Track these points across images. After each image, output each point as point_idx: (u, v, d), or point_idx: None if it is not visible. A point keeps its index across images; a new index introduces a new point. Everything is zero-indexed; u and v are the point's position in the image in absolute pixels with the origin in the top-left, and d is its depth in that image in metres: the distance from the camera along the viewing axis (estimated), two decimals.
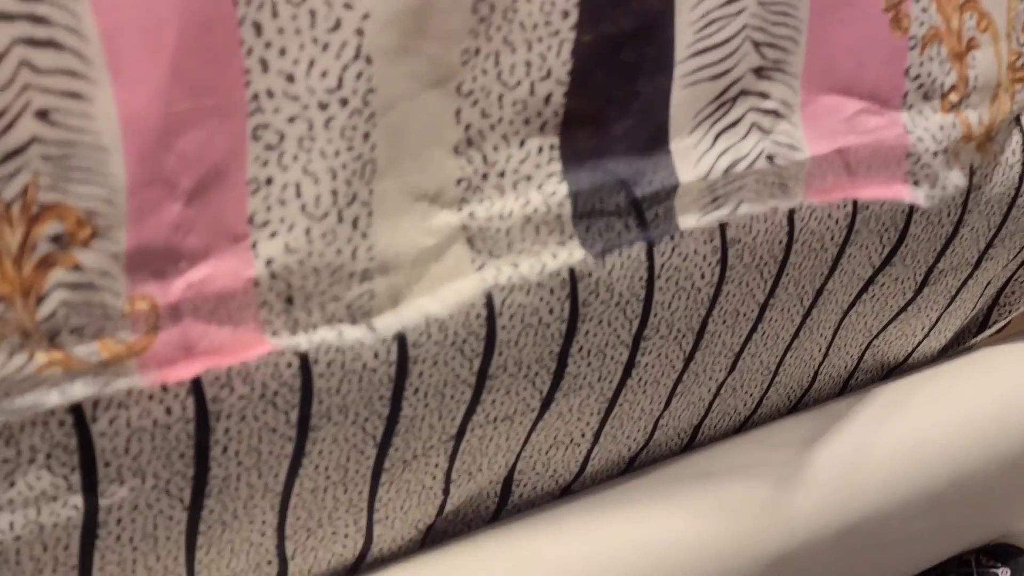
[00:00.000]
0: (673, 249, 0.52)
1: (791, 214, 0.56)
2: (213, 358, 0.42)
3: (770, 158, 0.52)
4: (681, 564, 0.61)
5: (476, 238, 0.47)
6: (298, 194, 0.42)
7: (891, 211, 0.59)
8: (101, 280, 0.40)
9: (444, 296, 0.47)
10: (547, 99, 0.47)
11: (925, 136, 0.56)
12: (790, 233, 0.56)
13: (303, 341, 0.44)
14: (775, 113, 0.52)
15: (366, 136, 0.43)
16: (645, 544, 0.60)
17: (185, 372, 0.42)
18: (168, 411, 0.43)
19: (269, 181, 0.42)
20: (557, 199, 0.48)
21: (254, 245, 0.42)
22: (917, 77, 0.56)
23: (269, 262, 0.43)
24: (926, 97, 0.56)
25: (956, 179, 0.57)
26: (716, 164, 0.51)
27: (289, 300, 0.43)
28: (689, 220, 0.51)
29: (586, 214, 0.49)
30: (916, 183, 0.56)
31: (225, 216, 0.41)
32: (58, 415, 0.41)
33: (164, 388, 0.42)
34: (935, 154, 0.56)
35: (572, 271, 0.50)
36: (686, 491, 0.63)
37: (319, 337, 0.44)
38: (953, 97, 0.56)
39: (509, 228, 0.48)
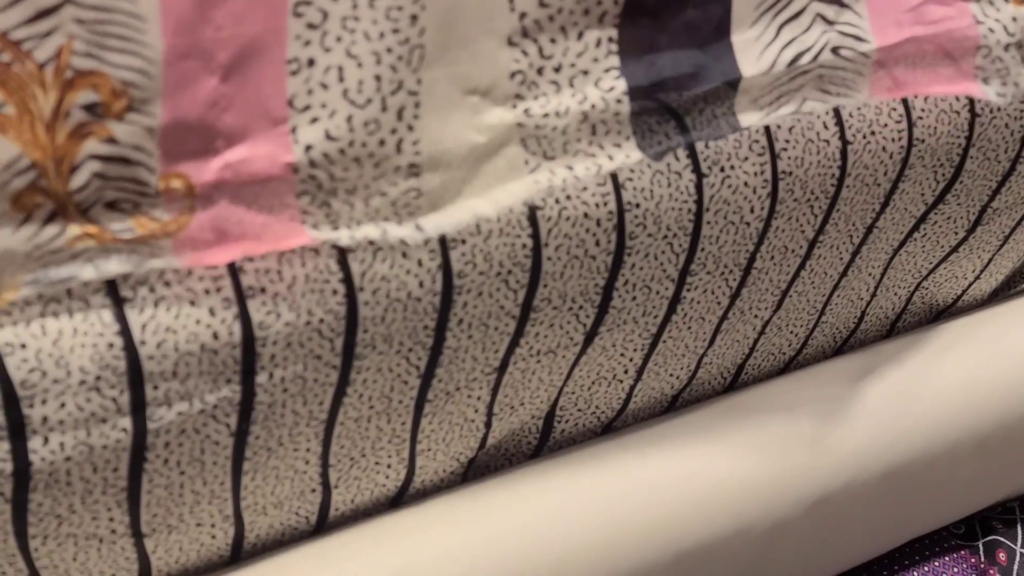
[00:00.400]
0: (723, 181, 0.51)
1: (844, 148, 0.54)
2: (251, 244, 0.42)
3: (835, 50, 0.50)
4: (723, 502, 0.61)
5: (530, 138, 0.46)
6: (340, 78, 0.41)
7: (947, 145, 0.58)
8: (135, 154, 0.39)
9: (496, 197, 0.45)
10: None
11: (996, 28, 0.53)
12: (842, 167, 0.55)
13: (344, 236, 0.43)
14: (839, 3, 0.50)
15: (414, 19, 0.42)
16: (687, 482, 0.60)
17: (221, 257, 0.41)
18: (215, 336, 0.43)
19: (311, 62, 0.41)
20: (615, 95, 0.46)
21: (293, 130, 0.41)
22: None
23: (308, 148, 0.42)
24: None
25: None
26: (780, 57, 0.49)
27: (331, 192, 0.43)
28: (751, 118, 0.50)
29: (644, 112, 0.47)
30: (986, 80, 0.53)
31: (264, 96, 0.41)
32: (107, 338, 0.41)
33: (211, 312, 0.43)
34: (1007, 47, 0.52)
35: (620, 203, 0.49)
36: (729, 429, 0.62)
37: (362, 233, 0.43)
38: None
39: (565, 126, 0.46)
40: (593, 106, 0.46)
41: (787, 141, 0.53)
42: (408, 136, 0.43)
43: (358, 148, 0.42)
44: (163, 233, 0.40)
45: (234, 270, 0.43)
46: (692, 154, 0.50)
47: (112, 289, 0.41)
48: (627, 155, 0.47)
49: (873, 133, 0.55)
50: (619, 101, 0.47)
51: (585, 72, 0.46)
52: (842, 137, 0.54)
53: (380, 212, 0.44)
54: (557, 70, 0.46)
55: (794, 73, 0.50)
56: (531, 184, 0.46)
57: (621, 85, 0.47)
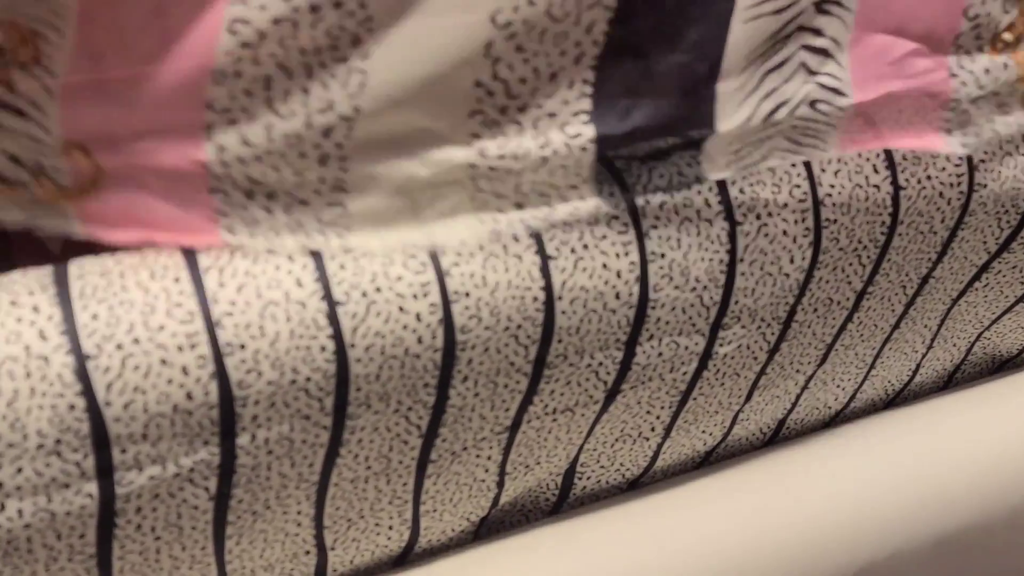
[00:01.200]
0: (759, 230, 0.47)
1: (896, 194, 0.49)
2: (159, 233, 0.40)
3: (813, 103, 0.46)
4: (756, 569, 0.56)
5: (481, 177, 0.42)
6: (267, 87, 0.39)
7: (1012, 191, 0.52)
8: (32, 111, 0.38)
9: (434, 231, 0.43)
10: (589, 28, 0.41)
11: (969, 80, 0.49)
12: (894, 215, 0.50)
13: (261, 244, 0.41)
14: (824, 52, 0.46)
15: (356, 40, 0.39)
16: (718, 544, 0.56)
17: (129, 237, 0.40)
18: (189, 396, 0.39)
19: (238, 74, 0.38)
20: (580, 143, 0.43)
21: (208, 127, 0.39)
22: (975, 17, 0.49)
23: (221, 150, 0.39)
24: (978, 38, 0.49)
25: (1000, 126, 0.51)
26: (758, 109, 0.45)
27: (249, 194, 0.40)
28: (716, 168, 0.46)
29: (611, 160, 0.44)
30: (949, 131, 0.49)
31: (181, 88, 0.38)
32: (68, 399, 0.38)
33: (184, 371, 0.39)
34: (975, 100, 0.49)
35: (643, 253, 0.45)
36: (765, 490, 0.58)
37: (280, 243, 0.41)
38: (1007, 36, 0.49)
39: (521, 169, 0.43)
40: (555, 151, 0.43)
41: (831, 186, 0.48)
42: (335, 153, 0.40)
43: (276, 158, 0.40)
44: (64, 198, 0.39)
45: (211, 325, 0.39)
46: (725, 200, 0.46)
47: (75, 346, 0.38)
48: (582, 197, 0.43)
49: (929, 178, 0.50)
50: (583, 148, 0.43)
51: (552, 115, 0.42)
52: (894, 182, 0.49)
53: (302, 224, 0.41)
54: (522, 110, 0.42)
55: (768, 126, 0.45)
56: (475, 222, 0.43)
57: (589, 132, 0.43)
